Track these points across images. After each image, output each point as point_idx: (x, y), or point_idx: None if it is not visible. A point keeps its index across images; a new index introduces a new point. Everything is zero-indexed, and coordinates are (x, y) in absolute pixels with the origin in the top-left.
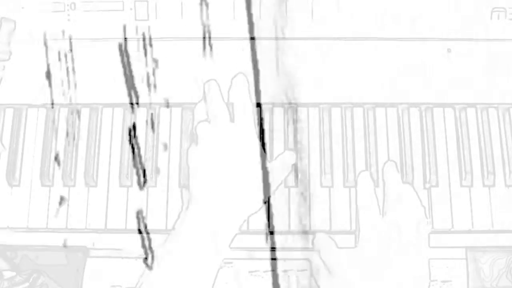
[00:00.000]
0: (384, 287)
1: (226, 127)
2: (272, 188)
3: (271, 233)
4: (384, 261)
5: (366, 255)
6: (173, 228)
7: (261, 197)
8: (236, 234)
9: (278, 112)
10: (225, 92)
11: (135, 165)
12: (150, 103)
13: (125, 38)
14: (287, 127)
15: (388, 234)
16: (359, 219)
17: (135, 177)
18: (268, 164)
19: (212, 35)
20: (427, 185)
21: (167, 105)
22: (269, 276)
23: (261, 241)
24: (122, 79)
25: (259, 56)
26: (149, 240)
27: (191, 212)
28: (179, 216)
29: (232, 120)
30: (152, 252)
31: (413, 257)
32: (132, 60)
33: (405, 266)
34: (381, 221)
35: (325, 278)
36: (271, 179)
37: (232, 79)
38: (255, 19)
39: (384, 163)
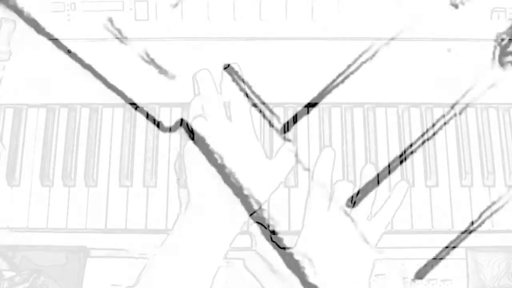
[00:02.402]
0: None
1: (223, 125)
2: (279, 181)
3: (273, 232)
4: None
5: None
6: (173, 227)
7: (263, 194)
8: (237, 234)
9: (278, 112)
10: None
11: None
12: (150, 103)
13: (125, 38)
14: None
15: (331, 229)
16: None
17: (135, 177)
18: (269, 162)
19: (212, 35)
20: (428, 185)
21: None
22: None
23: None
24: (122, 79)
25: (259, 57)
26: None
27: (190, 212)
28: (178, 216)
29: (228, 115)
30: None
31: (355, 255)
32: (132, 60)
33: (347, 262)
34: (326, 214)
35: (268, 276)
36: (276, 173)
37: (223, 70)
38: (255, 19)
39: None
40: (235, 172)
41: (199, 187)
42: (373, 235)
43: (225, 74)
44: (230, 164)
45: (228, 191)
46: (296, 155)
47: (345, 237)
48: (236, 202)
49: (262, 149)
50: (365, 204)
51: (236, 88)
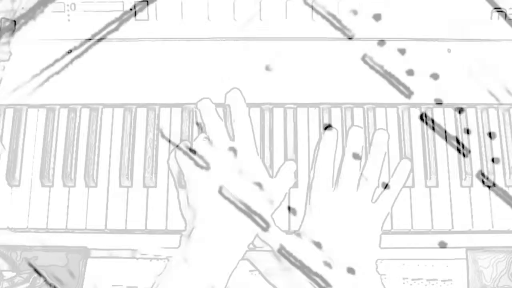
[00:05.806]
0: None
1: (226, 146)
2: (280, 199)
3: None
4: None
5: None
6: (187, 236)
7: (265, 213)
8: (246, 252)
9: (278, 112)
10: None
11: None
12: (150, 103)
13: (125, 38)
14: (287, 127)
15: (336, 210)
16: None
17: (135, 177)
18: (271, 180)
19: (212, 35)
20: (427, 185)
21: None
22: None
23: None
24: (122, 79)
25: (259, 56)
26: None
27: (197, 232)
28: (186, 228)
29: (232, 139)
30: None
31: (362, 237)
32: (132, 60)
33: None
34: (332, 194)
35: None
36: (277, 192)
37: (227, 94)
38: (254, 19)
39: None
40: (238, 191)
41: (205, 207)
42: (378, 217)
43: (228, 97)
44: (234, 184)
45: (234, 211)
46: (296, 171)
47: (352, 217)
48: (243, 222)
49: (264, 169)
50: (369, 186)
51: (239, 110)
